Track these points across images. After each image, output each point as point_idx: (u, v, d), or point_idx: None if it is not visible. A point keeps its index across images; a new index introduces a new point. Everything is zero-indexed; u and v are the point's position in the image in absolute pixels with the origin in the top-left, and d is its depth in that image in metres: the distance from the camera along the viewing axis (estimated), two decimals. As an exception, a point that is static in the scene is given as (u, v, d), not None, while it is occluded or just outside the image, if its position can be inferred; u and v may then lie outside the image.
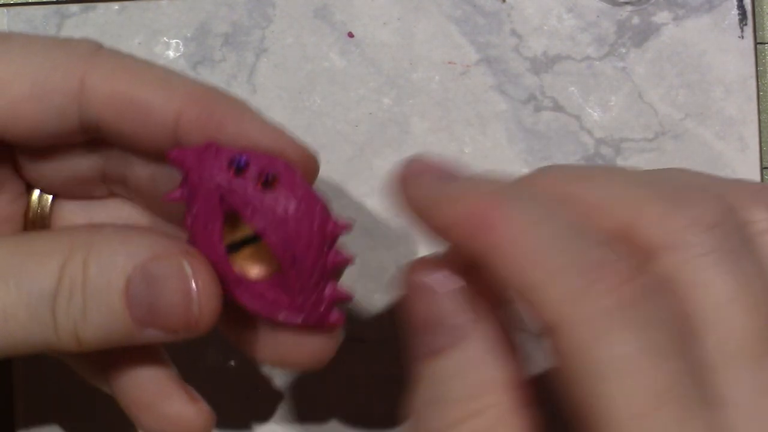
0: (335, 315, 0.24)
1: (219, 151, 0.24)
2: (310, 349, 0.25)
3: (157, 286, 0.24)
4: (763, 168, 0.34)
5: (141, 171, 0.26)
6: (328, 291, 0.24)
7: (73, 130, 0.25)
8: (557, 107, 0.34)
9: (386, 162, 0.33)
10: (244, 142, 0.24)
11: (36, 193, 0.27)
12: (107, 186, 0.27)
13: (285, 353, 0.25)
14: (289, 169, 0.24)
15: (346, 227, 0.24)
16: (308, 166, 0.25)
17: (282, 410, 0.34)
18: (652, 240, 0.20)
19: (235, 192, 0.23)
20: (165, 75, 0.24)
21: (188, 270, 0.24)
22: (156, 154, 0.25)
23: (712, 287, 0.19)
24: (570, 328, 0.19)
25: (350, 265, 0.25)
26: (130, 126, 0.24)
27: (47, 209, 0.27)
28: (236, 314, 0.25)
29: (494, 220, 0.20)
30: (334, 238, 0.24)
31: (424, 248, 0.33)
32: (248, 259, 0.24)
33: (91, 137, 0.25)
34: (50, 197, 0.27)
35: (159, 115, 0.24)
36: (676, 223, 0.20)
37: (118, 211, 0.27)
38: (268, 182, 0.24)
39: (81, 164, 0.26)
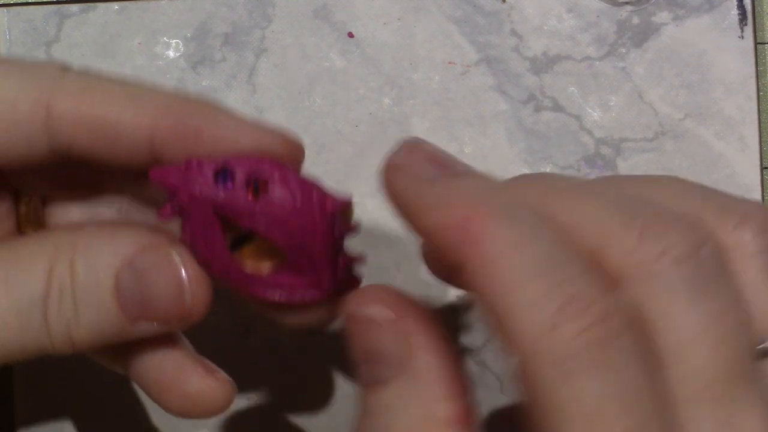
0: (353, 279, 0.25)
1: (201, 165, 0.23)
2: (335, 307, 0.25)
3: (147, 277, 0.23)
4: (763, 168, 0.34)
5: (126, 183, 0.26)
6: (341, 261, 0.24)
7: (42, 154, 0.24)
8: (557, 107, 0.34)
9: (386, 162, 0.34)
10: (225, 147, 0.23)
11: (24, 204, 0.27)
12: (99, 182, 0.27)
13: (309, 319, 0.25)
14: (274, 166, 0.24)
15: (346, 201, 0.24)
16: (293, 153, 0.24)
17: (280, 413, 0.34)
18: (622, 268, 0.19)
19: (227, 205, 0.23)
20: (134, 91, 0.24)
21: (177, 259, 0.24)
22: (136, 170, 0.25)
23: (678, 322, 0.19)
24: (541, 362, 0.18)
25: (357, 233, 0.25)
26: (103, 147, 0.24)
27: (40, 209, 0.27)
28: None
29: (479, 235, 0.20)
30: (335, 215, 0.24)
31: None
32: (254, 253, 0.24)
33: (65, 159, 0.25)
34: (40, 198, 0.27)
35: (131, 132, 0.23)
36: (646, 253, 0.19)
37: (116, 203, 0.27)
38: (257, 186, 0.24)
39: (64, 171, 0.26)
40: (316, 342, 0.33)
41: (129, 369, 0.26)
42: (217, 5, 0.34)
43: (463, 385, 0.22)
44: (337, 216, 0.24)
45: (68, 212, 0.28)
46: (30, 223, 0.28)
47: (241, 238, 0.24)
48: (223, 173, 0.23)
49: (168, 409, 0.26)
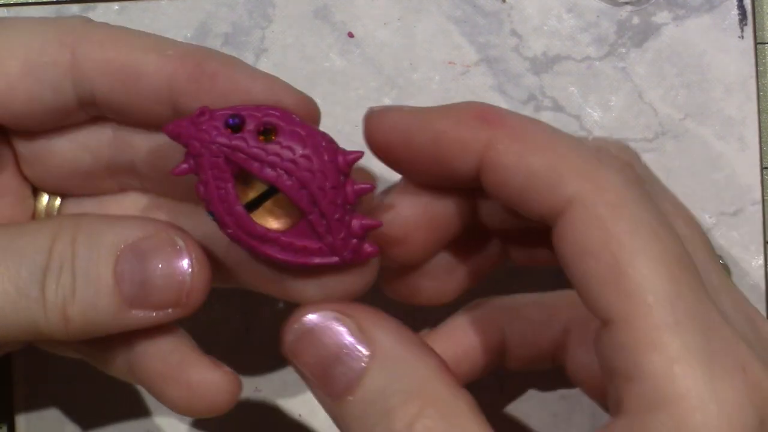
0: (369, 247, 0.24)
1: (213, 114, 0.23)
2: (351, 281, 0.24)
3: (149, 260, 0.23)
4: (763, 168, 0.34)
5: (145, 149, 0.26)
6: (355, 224, 0.24)
7: (69, 105, 0.24)
8: (557, 107, 0.34)
9: (386, 162, 0.34)
10: (238, 95, 0.24)
11: (45, 197, 0.27)
12: (116, 179, 0.27)
13: (328, 291, 0.24)
14: (285, 115, 0.24)
15: (358, 155, 0.24)
16: (307, 111, 0.24)
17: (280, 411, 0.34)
18: None
19: (237, 150, 0.23)
20: (155, 40, 0.24)
21: (181, 243, 0.24)
22: (155, 123, 0.25)
23: None
24: (593, 195, 0.21)
25: (373, 192, 0.24)
26: (124, 93, 0.24)
27: (55, 210, 0.27)
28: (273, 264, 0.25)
29: (497, 116, 0.23)
30: (347, 169, 0.24)
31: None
32: (268, 213, 0.24)
33: (90, 114, 0.25)
34: (58, 199, 0.27)
35: (151, 77, 0.24)
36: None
37: (133, 204, 0.27)
38: (267, 132, 0.23)
39: (84, 156, 0.26)
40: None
41: (131, 362, 0.26)
42: (217, 5, 0.34)
43: (427, 346, 0.23)
44: (349, 172, 0.24)
45: (83, 208, 0.28)
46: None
47: (258, 199, 0.24)
48: (234, 120, 0.23)
49: (171, 402, 0.25)
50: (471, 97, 0.34)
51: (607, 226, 0.21)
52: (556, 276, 0.33)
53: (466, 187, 0.24)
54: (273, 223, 0.24)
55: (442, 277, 0.27)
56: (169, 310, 0.24)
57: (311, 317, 0.23)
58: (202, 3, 0.34)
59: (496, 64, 0.34)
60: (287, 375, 0.34)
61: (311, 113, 0.25)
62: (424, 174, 0.24)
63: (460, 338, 0.29)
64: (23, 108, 0.24)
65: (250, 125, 0.23)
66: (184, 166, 0.24)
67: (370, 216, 0.24)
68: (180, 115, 0.24)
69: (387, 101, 0.34)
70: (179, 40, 0.34)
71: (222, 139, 0.23)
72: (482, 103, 0.23)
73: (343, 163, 0.24)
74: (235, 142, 0.23)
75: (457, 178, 0.24)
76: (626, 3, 0.34)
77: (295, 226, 0.24)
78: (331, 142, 0.24)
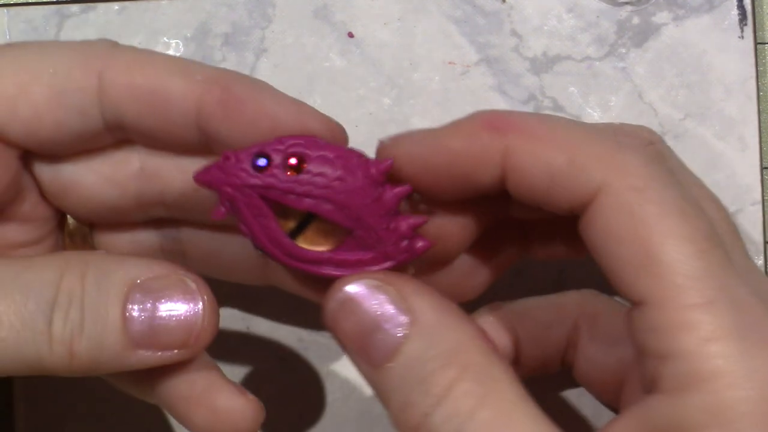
0: (421, 242, 0.24)
1: (238, 157, 0.23)
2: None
3: (160, 300, 0.23)
4: (763, 168, 0.34)
5: (175, 181, 0.26)
6: (403, 226, 0.24)
7: (96, 129, 0.24)
8: (557, 107, 0.34)
9: (386, 162, 0.34)
10: (266, 120, 0.24)
11: (72, 221, 0.27)
12: (144, 211, 0.26)
13: None
14: (309, 140, 0.24)
15: (389, 163, 0.24)
16: (333, 135, 0.24)
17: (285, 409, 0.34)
18: None
19: (270, 188, 0.23)
20: (183, 64, 0.24)
21: (192, 285, 0.24)
22: (183, 148, 0.25)
23: None
24: (617, 181, 0.21)
25: (412, 194, 0.25)
26: (151, 117, 0.24)
27: (87, 232, 0.27)
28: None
29: (506, 121, 0.23)
30: (382, 178, 0.24)
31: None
32: (315, 235, 0.24)
33: (117, 138, 0.25)
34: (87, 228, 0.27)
35: (179, 102, 0.24)
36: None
37: (162, 235, 0.27)
38: (297, 164, 0.24)
39: (111, 191, 0.26)
40: (316, 342, 0.33)
41: (158, 385, 0.25)
42: (217, 5, 0.34)
43: (464, 314, 0.23)
44: (384, 178, 0.24)
45: (115, 240, 0.27)
46: (75, 243, 0.27)
47: (301, 225, 0.24)
48: (260, 158, 0.24)
49: (195, 426, 0.25)
50: (471, 97, 0.34)
51: (633, 211, 0.21)
52: (554, 280, 0.33)
53: (493, 194, 0.24)
54: (322, 244, 0.24)
55: (467, 274, 0.27)
56: (175, 351, 0.24)
57: (353, 286, 0.23)
58: (202, 3, 0.34)
59: (496, 64, 0.34)
60: (287, 375, 0.34)
61: (337, 137, 0.25)
62: (448, 192, 0.24)
63: None
64: (50, 135, 0.24)
65: (277, 159, 0.24)
66: (222, 209, 0.24)
67: (413, 214, 0.25)
68: (206, 140, 0.24)
69: (387, 101, 0.34)
70: (179, 40, 0.34)
71: (253, 181, 0.23)
72: (488, 111, 0.24)
73: (377, 174, 0.24)
74: (266, 181, 0.23)
75: (481, 189, 0.24)
76: (626, 3, 0.34)
77: (344, 241, 0.24)
78: (360, 156, 0.24)
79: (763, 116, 0.34)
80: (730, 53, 0.34)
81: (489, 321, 0.28)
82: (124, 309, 0.23)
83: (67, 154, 0.25)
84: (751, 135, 0.34)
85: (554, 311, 0.29)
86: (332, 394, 0.34)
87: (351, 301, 0.23)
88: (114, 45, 0.25)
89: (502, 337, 0.28)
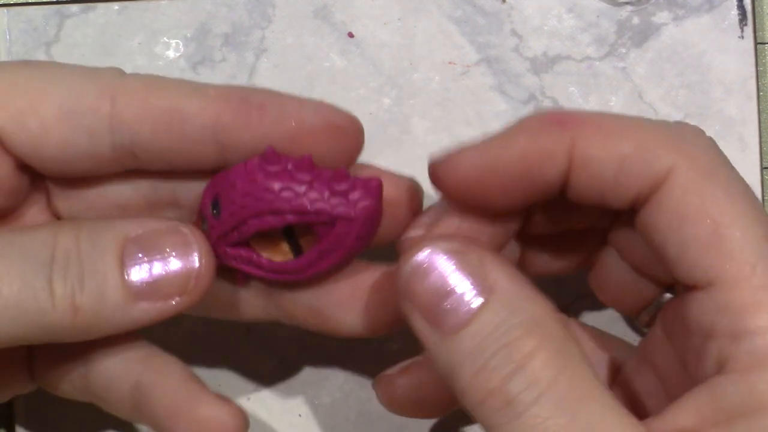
0: (373, 182, 0.25)
1: (198, 224, 0.25)
2: None
3: (155, 249, 0.24)
4: (763, 168, 0.34)
5: (189, 191, 0.26)
6: (335, 186, 0.24)
7: (104, 153, 0.24)
8: (557, 107, 0.34)
9: (386, 162, 0.33)
10: (290, 122, 0.24)
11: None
12: (155, 213, 0.27)
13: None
14: (211, 183, 0.25)
15: (270, 150, 0.24)
16: (356, 129, 0.25)
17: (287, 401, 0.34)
18: None
19: (220, 236, 0.25)
20: (194, 84, 0.24)
21: (186, 231, 0.24)
22: (199, 167, 0.25)
23: None
24: (687, 165, 0.22)
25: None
26: (168, 139, 0.24)
27: None
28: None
29: (571, 116, 0.24)
30: (260, 162, 0.24)
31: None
32: (306, 246, 0.25)
33: (125, 167, 0.25)
34: None
35: (197, 119, 0.24)
36: None
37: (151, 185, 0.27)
38: (215, 204, 0.24)
39: (122, 192, 0.26)
40: (316, 341, 0.33)
41: (138, 399, 0.26)
42: (217, 5, 0.34)
43: (537, 289, 0.23)
44: (268, 161, 0.24)
45: (94, 196, 0.27)
46: None
47: (293, 241, 0.25)
48: (213, 210, 0.25)
49: None
50: (471, 97, 0.34)
51: (704, 192, 0.22)
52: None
53: (545, 199, 0.25)
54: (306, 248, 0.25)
55: None
56: (177, 299, 0.24)
57: (430, 249, 0.23)
58: (202, 3, 0.34)
59: (496, 64, 0.34)
60: (287, 375, 0.34)
61: (356, 129, 0.25)
62: (503, 201, 0.25)
63: None
64: (56, 152, 0.24)
65: (207, 213, 0.25)
66: (240, 277, 0.26)
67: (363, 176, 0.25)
68: (224, 154, 0.24)
69: (387, 101, 0.34)
70: (179, 40, 0.34)
71: (211, 240, 0.25)
72: (550, 110, 0.25)
73: (252, 164, 0.24)
74: (213, 233, 0.25)
75: (544, 191, 0.24)
76: (626, 3, 0.34)
77: (319, 233, 0.24)
78: (236, 168, 0.24)
79: (763, 116, 0.34)
80: (730, 53, 0.34)
81: None
82: (121, 262, 0.23)
83: (69, 177, 0.25)
84: (751, 135, 0.34)
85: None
86: (332, 394, 0.34)
87: (427, 264, 0.22)
88: (123, 73, 0.25)
89: None
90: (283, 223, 0.24)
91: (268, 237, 0.25)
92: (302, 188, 0.24)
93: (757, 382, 0.21)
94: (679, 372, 0.24)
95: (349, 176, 0.24)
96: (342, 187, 0.24)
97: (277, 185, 0.23)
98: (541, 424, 0.20)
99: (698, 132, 0.24)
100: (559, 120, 0.24)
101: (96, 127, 0.24)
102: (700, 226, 0.22)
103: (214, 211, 0.24)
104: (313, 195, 0.24)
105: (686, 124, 0.25)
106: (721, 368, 0.22)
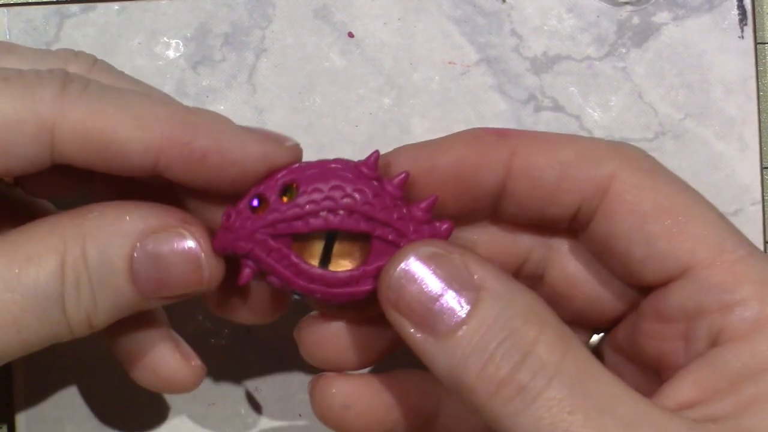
0: (443, 225, 0.25)
1: (238, 209, 0.24)
2: None
3: (163, 261, 0.24)
4: (763, 168, 0.34)
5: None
6: (416, 212, 0.24)
7: (44, 168, 0.24)
8: (557, 107, 0.34)
9: (386, 162, 0.34)
10: (230, 169, 0.24)
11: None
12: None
13: None
14: (290, 169, 0.24)
15: (373, 155, 0.24)
16: (294, 158, 0.25)
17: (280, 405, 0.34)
18: None
19: (277, 222, 0.24)
20: (139, 110, 0.23)
21: (189, 235, 0.24)
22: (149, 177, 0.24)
23: None
24: (630, 166, 0.24)
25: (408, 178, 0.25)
26: (107, 166, 0.24)
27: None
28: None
29: (510, 130, 0.25)
30: (374, 172, 0.24)
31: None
32: (341, 259, 0.25)
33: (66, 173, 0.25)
34: None
35: (137, 155, 0.23)
36: None
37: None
38: (288, 191, 0.24)
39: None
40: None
41: (111, 341, 0.27)
42: (217, 5, 0.34)
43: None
44: (377, 173, 0.24)
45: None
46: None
47: (324, 255, 0.24)
48: (256, 202, 0.24)
49: (136, 381, 0.28)
50: (471, 97, 0.34)
51: (654, 189, 0.23)
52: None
53: (485, 207, 0.25)
54: (350, 262, 0.24)
55: None
56: (189, 295, 0.25)
57: (414, 256, 0.23)
58: (202, 3, 0.34)
59: (496, 64, 0.34)
60: (287, 375, 0.34)
61: (298, 157, 0.25)
62: (449, 203, 0.25)
63: None
64: None
65: (272, 195, 0.24)
66: (247, 270, 0.24)
67: (420, 199, 0.25)
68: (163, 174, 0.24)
69: (387, 101, 0.34)
70: (179, 40, 0.34)
71: (258, 223, 0.24)
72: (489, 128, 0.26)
73: (369, 170, 0.24)
74: (270, 217, 0.24)
75: (482, 197, 0.25)
76: (626, 3, 0.34)
77: (369, 250, 0.24)
78: (340, 161, 0.24)
79: (763, 116, 0.34)
80: (730, 53, 0.34)
81: None
82: (131, 274, 0.24)
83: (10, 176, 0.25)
84: (751, 135, 0.34)
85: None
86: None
87: (413, 270, 0.23)
88: (65, 85, 0.23)
89: None
90: (355, 228, 0.24)
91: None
92: (391, 204, 0.24)
93: (758, 345, 0.22)
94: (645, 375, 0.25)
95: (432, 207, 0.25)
96: (428, 216, 0.24)
97: (371, 192, 0.24)
98: (556, 406, 0.21)
99: (632, 146, 0.26)
100: (498, 132, 0.25)
101: (37, 153, 0.23)
102: (661, 220, 0.23)
103: (260, 203, 0.24)
104: (397, 213, 0.24)
105: (621, 142, 0.27)
106: (714, 342, 0.22)
